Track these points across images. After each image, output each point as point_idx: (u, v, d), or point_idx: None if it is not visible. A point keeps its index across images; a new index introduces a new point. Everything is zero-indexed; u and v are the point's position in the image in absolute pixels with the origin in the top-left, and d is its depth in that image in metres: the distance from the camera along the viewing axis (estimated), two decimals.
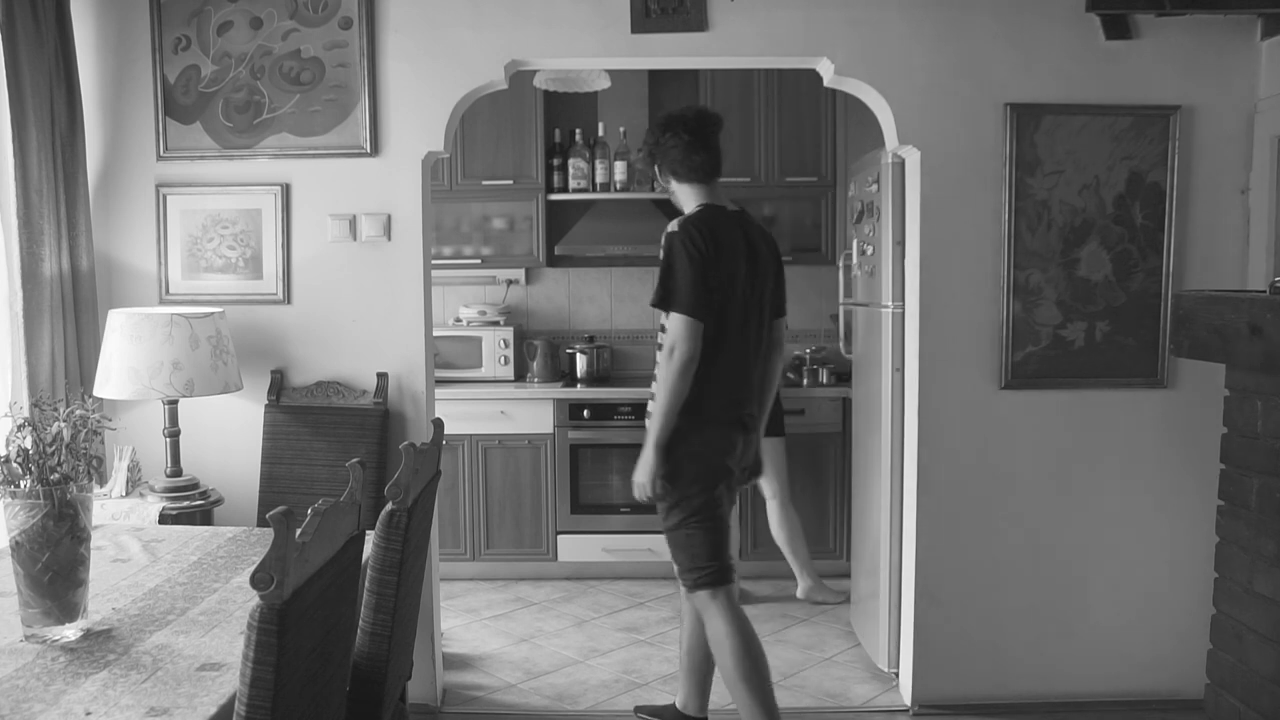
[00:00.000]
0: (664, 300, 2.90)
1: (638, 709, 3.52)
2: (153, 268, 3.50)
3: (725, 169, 5.21)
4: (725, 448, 2.97)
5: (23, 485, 1.96)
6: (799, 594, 4.63)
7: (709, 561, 2.95)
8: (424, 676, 3.43)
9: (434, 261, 4.00)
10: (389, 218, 3.46)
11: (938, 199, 3.42)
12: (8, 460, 1.97)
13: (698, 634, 3.16)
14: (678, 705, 3.35)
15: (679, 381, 2.86)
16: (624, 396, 4.85)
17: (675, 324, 2.86)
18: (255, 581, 1.50)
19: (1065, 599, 3.53)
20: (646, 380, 5.13)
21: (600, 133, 5.17)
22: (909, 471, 3.55)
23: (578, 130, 5.19)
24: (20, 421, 2.00)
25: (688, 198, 3.08)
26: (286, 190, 3.46)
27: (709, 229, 2.91)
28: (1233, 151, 3.43)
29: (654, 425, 2.90)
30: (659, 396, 2.89)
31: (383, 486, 2.53)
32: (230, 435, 3.49)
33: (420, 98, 3.42)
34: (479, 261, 5.18)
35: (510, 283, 5.42)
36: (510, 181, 5.10)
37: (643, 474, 2.93)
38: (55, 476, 1.97)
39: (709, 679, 3.26)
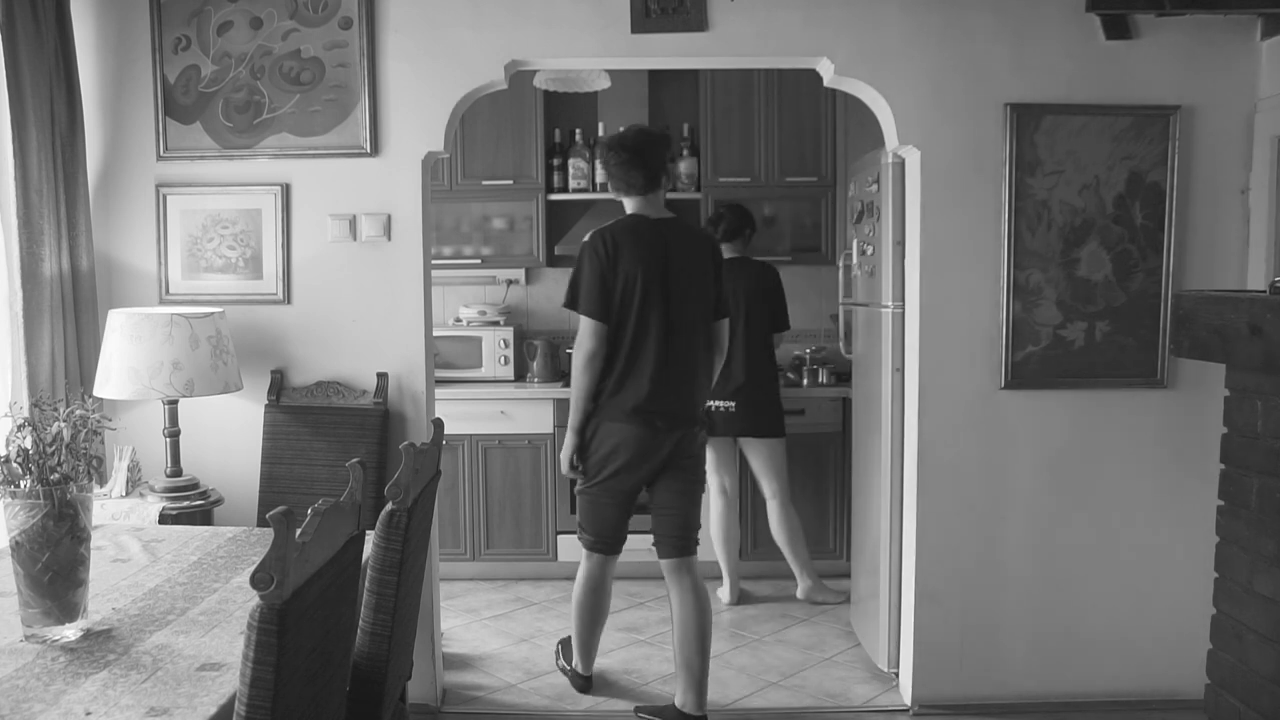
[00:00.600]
0: (571, 302, 3.33)
1: (638, 709, 3.53)
2: (153, 268, 3.50)
3: (725, 169, 5.30)
4: (627, 444, 3.27)
5: (23, 485, 1.96)
6: (799, 594, 4.63)
7: (592, 531, 3.43)
8: (424, 676, 3.43)
9: (434, 261, 4.00)
10: (389, 218, 3.46)
11: (938, 199, 3.42)
12: (8, 460, 1.97)
13: (685, 628, 3.35)
14: (676, 704, 3.36)
15: (581, 376, 3.29)
16: None
17: (581, 324, 3.29)
18: (255, 581, 1.50)
19: (1065, 599, 3.53)
20: None
21: (600, 133, 5.17)
22: (909, 471, 3.55)
23: (578, 130, 5.19)
24: (20, 421, 2.00)
25: (628, 207, 3.43)
26: (286, 190, 3.46)
27: (615, 239, 3.27)
28: (1233, 151, 3.43)
29: (570, 412, 3.36)
30: (571, 388, 3.35)
31: (383, 486, 2.53)
32: (230, 435, 3.49)
33: (420, 98, 3.42)
34: (479, 261, 5.18)
35: (510, 283, 5.42)
36: (510, 181, 5.10)
37: (563, 453, 3.41)
38: (55, 476, 1.97)
39: (704, 676, 3.36)
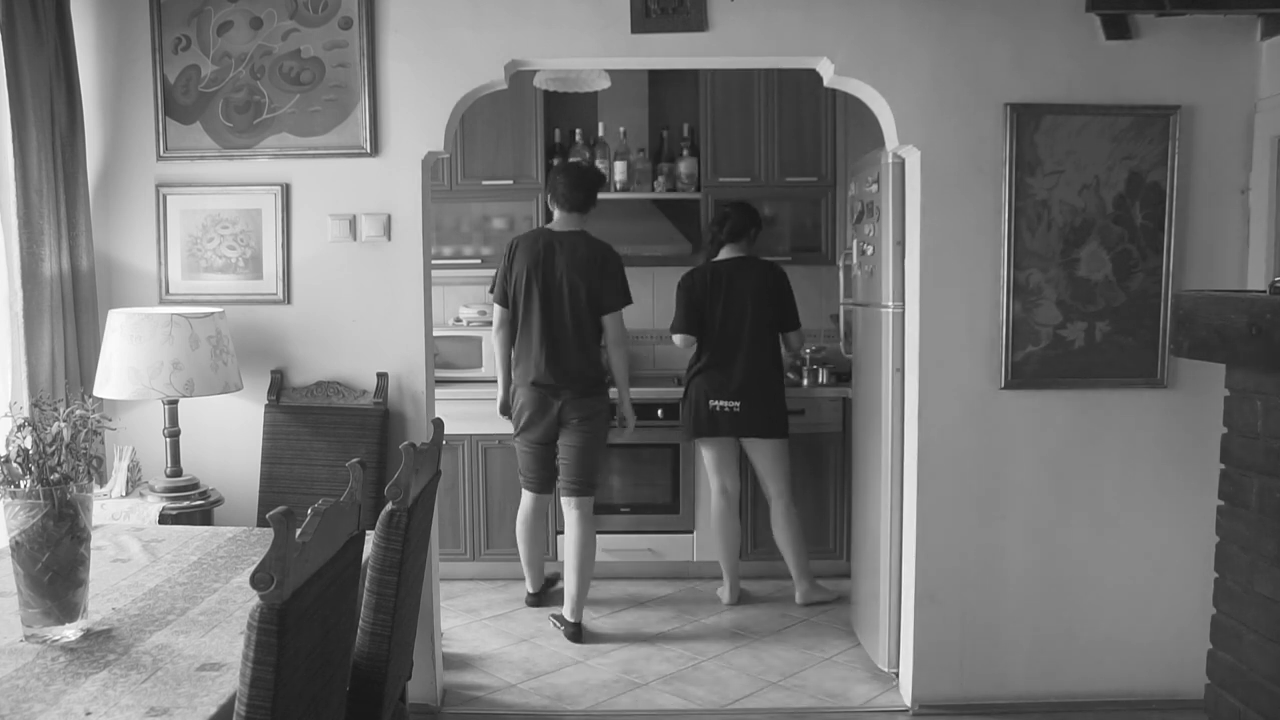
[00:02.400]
0: (491, 288, 4.30)
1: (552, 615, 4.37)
2: (153, 268, 3.50)
3: (725, 169, 5.31)
4: (525, 404, 4.20)
5: (23, 485, 1.96)
6: (798, 600, 4.61)
7: (522, 473, 4.37)
8: (424, 676, 3.43)
9: (434, 261, 4.00)
10: (389, 218, 3.46)
11: (938, 199, 3.42)
12: (8, 460, 1.97)
13: (571, 552, 4.20)
14: (563, 613, 4.27)
15: (493, 344, 4.35)
16: None
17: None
18: (255, 581, 1.50)
19: (1065, 599, 3.53)
20: (647, 380, 5.18)
21: (600, 133, 5.18)
22: (909, 471, 3.55)
23: (578, 130, 5.19)
24: (20, 421, 2.00)
25: (554, 219, 4.25)
26: (286, 190, 3.46)
27: (517, 245, 4.19)
28: (1233, 151, 3.43)
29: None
30: None
31: (383, 486, 2.53)
32: (230, 435, 3.49)
33: (420, 98, 3.42)
34: (479, 261, 5.18)
35: None
36: (510, 181, 5.10)
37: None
38: (55, 476, 1.97)
39: (580, 591, 4.21)
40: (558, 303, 4.11)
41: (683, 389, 4.64)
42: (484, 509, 4.88)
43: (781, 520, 4.54)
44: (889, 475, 3.66)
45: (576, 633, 4.19)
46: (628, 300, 4.22)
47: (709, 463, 4.61)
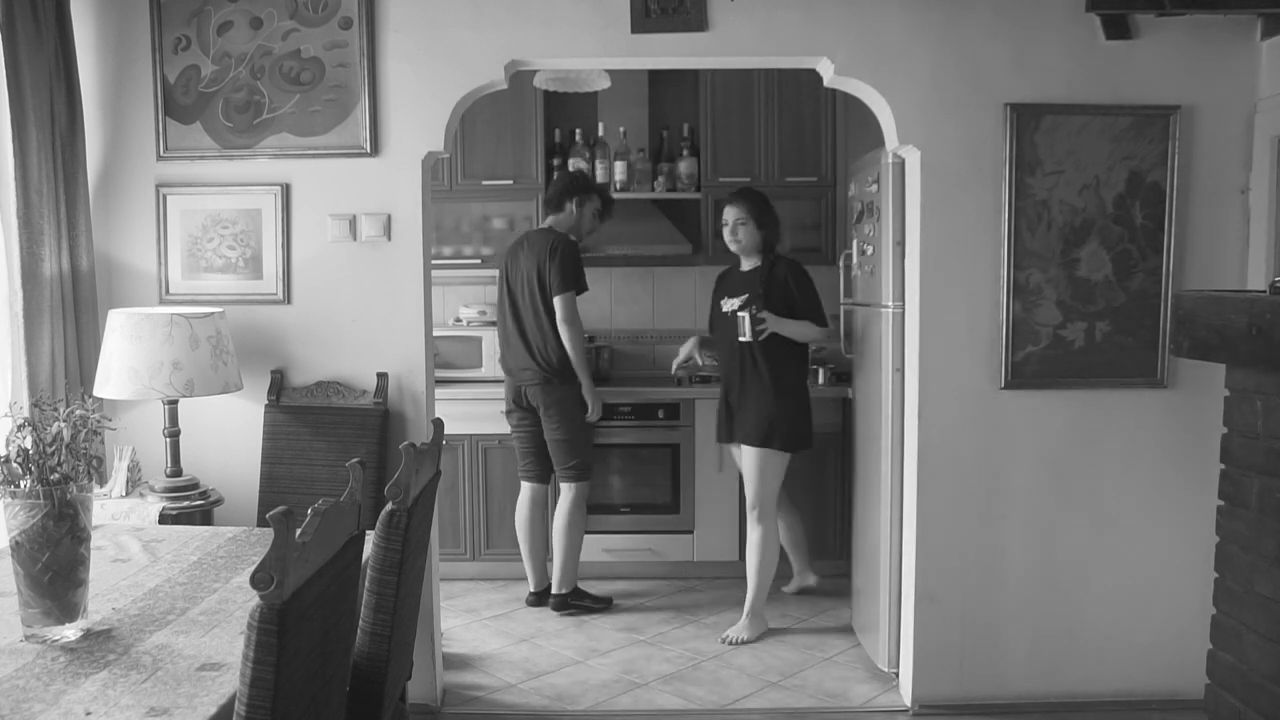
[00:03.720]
0: None
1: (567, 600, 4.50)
2: (153, 268, 3.50)
3: (725, 169, 5.30)
4: (506, 389, 4.55)
5: (23, 485, 1.96)
6: (792, 589, 4.67)
7: (518, 463, 4.58)
8: (424, 676, 3.43)
9: (434, 261, 4.00)
10: (389, 218, 3.46)
11: (938, 199, 3.42)
12: (8, 460, 1.97)
13: (555, 527, 4.45)
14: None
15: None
16: (624, 397, 4.85)
17: None
18: (255, 581, 1.50)
19: (1065, 599, 3.53)
20: (647, 380, 5.18)
21: (600, 133, 5.18)
22: (909, 471, 3.55)
23: (578, 130, 5.19)
24: (20, 421, 2.00)
25: None
26: (286, 190, 3.46)
27: (509, 247, 4.60)
28: (1233, 151, 3.43)
29: None
30: None
31: (383, 486, 2.53)
32: (230, 435, 3.49)
33: (420, 98, 3.42)
34: (479, 261, 5.18)
35: None
36: (510, 181, 5.10)
37: None
38: (55, 476, 1.97)
39: (561, 562, 4.44)
40: (520, 295, 4.43)
41: (803, 391, 4.21)
42: (484, 509, 4.88)
43: (791, 515, 4.54)
44: (889, 475, 3.66)
45: (560, 603, 4.48)
46: (575, 285, 4.33)
47: (786, 468, 4.25)
